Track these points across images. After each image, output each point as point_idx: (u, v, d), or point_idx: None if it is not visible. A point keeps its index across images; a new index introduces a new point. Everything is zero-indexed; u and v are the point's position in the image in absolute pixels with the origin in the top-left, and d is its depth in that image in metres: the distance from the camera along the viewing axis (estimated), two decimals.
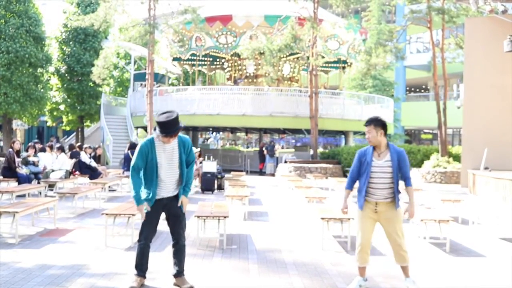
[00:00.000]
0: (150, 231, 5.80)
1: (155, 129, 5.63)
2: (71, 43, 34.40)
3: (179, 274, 5.85)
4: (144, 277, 5.84)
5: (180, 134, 5.83)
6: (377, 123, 5.80)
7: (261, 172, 28.26)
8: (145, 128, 29.53)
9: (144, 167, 5.69)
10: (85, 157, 17.48)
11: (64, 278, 6.10)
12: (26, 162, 15.35)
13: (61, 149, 17.10)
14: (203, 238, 8.47)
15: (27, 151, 16.18)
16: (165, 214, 5.88)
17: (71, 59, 34.04)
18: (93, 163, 17.71)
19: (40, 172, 15.57)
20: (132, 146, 17.75)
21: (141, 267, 5.79)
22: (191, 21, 26.01)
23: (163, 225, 6.10)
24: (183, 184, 5.80)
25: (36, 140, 17.47)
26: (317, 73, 27.21)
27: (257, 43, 26.82)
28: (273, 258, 7.49)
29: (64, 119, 36.91)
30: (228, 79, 34.00)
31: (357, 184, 5.99)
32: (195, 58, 32.00)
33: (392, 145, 5.87)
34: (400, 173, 5.82)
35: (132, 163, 5.70)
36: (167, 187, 5.74)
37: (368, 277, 6.40)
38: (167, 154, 5.71)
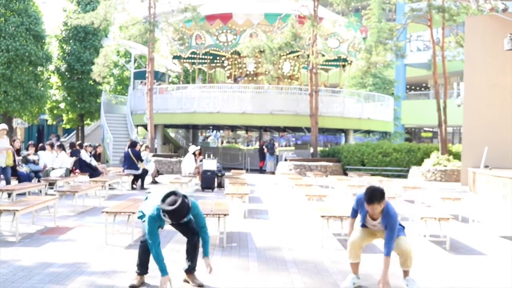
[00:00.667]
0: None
1: (131, 145, 5.51)
2: (71, 41, 34.41)
3: (190, 270, 5.87)
4: (144, 275, 5.84)
5: None
6: (380, 199, 5.50)
7: (261, 170, 28.27)
8: (145, 127, 29.54)
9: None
10: (85, 156, 17.47)
11: (64, 276, 6.11)
12: (26, 161, 15.35)
13: (62, 147, 17.11)
14: None
15: (27, 149, 16.18)
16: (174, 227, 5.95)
17: (71, 57, 34.05)
18: (94, 162, 17.71)
19: (41, 170, 15.57)
20: (133, 145, 17.74)
21: (142, 265, 5.78)
22: (191, 19, 26.04)
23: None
24: (203, 248, 5.77)
25: (31, 142, 17.47)
26: (317, 71, 27.20)
27: (257, 41, 26.83)
28: (273, 256, 7.49)
29: (64, 117, 36.93)
30: (228, 77, 34.02)
31: None
32: (195, 56, 32.00)
33: (385, 209, 5.60)
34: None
35: (149, 238, 5.42)
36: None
37: (366, 275, 6.41)
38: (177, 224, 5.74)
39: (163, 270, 5.43)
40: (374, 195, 5.48)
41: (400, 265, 5.94)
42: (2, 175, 13.50)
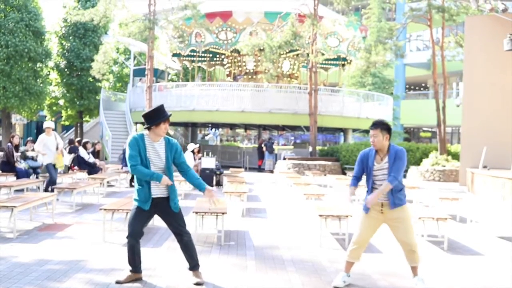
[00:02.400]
0: (137, 229, 5.67)
1: (136, 130, 5.59)
2: (70, 38, 34.39)
3: (192, 268, 5.86)
4: (138, 272, 5.80)
5: (169, 137, 5.79)
6: (384, 127, 5.68)
7: (260, 169, 28.27)
8: (144, 124, 29.52)
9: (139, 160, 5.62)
10: (83, 153, 17.46)
11: (62, 273, 6.10)
12: (25, 157, 15.33)
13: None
14: (201, 234, 8.47)
15: (26, 145, 16.16)
16: (159, 215, 5.83)
17: (70, 54, 34.03)
18: (92, 159, 17.69)
19: (39, 166, 15.54)
20: None
21: (133, 263, 5.75)
22: (191, 17, 26.02)
23: (161, 221, 6.07)
24: (196, 184, 5.76)
25: (30, 138, 17.45)
26: (317, 70, 27.21)
27: (257, 40, 26.81)
28: (271, 255, 7.49)
29: (63, 114, 36.91)
30: (227, 75, 34.00)
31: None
32: (194, 54, 31.99)
33: (393, 146, 5.74)
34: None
35: (130, 159, 5.56)
36: (157, 185, 5.65)
37: (364, 275, 6.41)
38: (156, 152, 5.66)
39: (158, 176, 5.54)
40: (380, 121, 5.77)
41: (406, 261, 5.90)
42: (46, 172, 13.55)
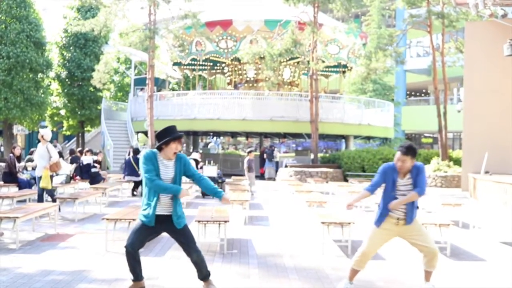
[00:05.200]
0: (137, 241, 5.63)
1: (134, 152, 5.57)
2: (71, 48, 34.44)
3: (203, 279, 5.85)
4: (139, 280, 5.73)
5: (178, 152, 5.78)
6: (414, 154, 5.66)
7: (262, 177, 28.25)
8: (145, 133, 29.55)
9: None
10: (87, 159, 17.48)
11: (65, 283, 6.10)
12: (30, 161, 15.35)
13: (59, 154, 17.10)
14: (203, 242, 8.46)
15: (31, 154, 16.13)
16: (167, 233, 5.79)
17: (71, 64, 34.07)
18: (94, 169, 17.70)
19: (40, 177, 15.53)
20: (135, 152, 17.76)
21: (134, 270, 5.68)
22: (191, 26, 26.07)
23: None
24: (212, 192, 5.83)
25: (33, 149, 17.44)
26: (317, 77, 27.23)
27: (258, 48, 26.88)
28: (273, 263, 7.49)
29: (65, 124, 36.93)
30: (228, 84, 34.05)
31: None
32: (195, 62, 32.05)
33: (414, 164, 5.77)
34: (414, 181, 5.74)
35: (147, 172, 5.50)
36: (164, 203, 5.63)
37: (368, 282, 6.40)
38: (167, 170, 5.64)
39: (176, 190, 5.55)
40: (412, 147, 5.67)
41: (424, 266, 5.87)
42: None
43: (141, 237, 5.66)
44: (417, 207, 5.85)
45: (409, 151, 5.64)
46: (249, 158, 18.12)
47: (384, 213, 5.78)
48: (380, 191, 5.96)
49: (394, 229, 5.80)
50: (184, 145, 40.32)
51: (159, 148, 5.63)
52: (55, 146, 19.64)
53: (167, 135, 5.59)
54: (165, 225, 5.68)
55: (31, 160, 15.43)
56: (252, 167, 18.08)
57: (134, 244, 5.62)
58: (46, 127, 38.21)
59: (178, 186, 5.60)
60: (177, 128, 5.76)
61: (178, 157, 5.71)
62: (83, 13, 33.99)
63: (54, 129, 40.97)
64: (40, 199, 11.81)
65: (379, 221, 5.80)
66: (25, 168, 15.31)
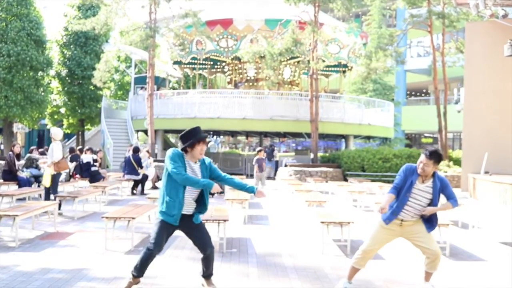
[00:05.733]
0: (163, 241, 5.60)
1: (134, 151, 5.50)
2: (71, 46, 34.44)
3: (207, 276, 5.84)
4: (138, 277, 5.72)
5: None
6: (438, 159, 5.65)
7: None
8: (145, 132, 29.55)
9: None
10: (87, 158, 17.48)
11: (64, 281, 6.10)
12: (31, 162, 15.33)
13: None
14: None
15: (30, 153, 16.13)
16: (182, 230, 5.75)
17: (71, 62, 34.08)
18: (94, 168, 17.70)
19: (41, 175, 15.54)
20: (135, 150, 17.75)
21: (143, 270, 5.66)
22: (192, 25, 26.09)
23: None
24: (244, 188, 5.73)
25: (33, 147, 17.43)
26: (318, 77, 27.22)
27: (258, 47, 26.87)
28: (273, 262, 7.49)
29: (65, 122, 36.94)
30: (228, 83, 34.05)
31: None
32: (195, 61, 32.04)
33: (436, 172, 5.78)
34: (444, 195, 5.84)
35: (175, 168, 5.43)
36: (187, 204, 5.61)
37: (367, 281, 6.40)
38: (194, 172, 5.59)
39: (208, 183, 5.46)
40: (437, 152, 5.67)
41: (425, 267, 5.87)
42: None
43: (165, 237, 5.63)
44: (435, 214, 5.87)
45: (433, 155, 5.63)
46: (258, 157, 17.93)
47: (396, 212, 5.75)
48: (384, 190, 5.96)
49: (397, 230, 5.81)
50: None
51: (184, 150, 5.58)
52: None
53: (191, 137, 5.53)
54: (183, 223, 5.65)
55: (30, 159, 15.43)
56: (262, 166, 17.82)
57: (160, 246, 5.58)
58: (46, 125, 38.27)
59: (210, 181, 5.51)
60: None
61: (202, 161, 5.67)
62: (84, 11, 34.00)
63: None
64: (46, 197, 11.90)
65: (389, 219, 5.77)
66: (31, 162, 15.24)
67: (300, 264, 7.37)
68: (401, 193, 5.73)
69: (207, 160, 5.74)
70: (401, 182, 5.78)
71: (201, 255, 5.75)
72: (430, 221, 5.80)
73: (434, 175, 5.75)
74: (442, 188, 5.77)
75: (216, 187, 5.52)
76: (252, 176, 28.38)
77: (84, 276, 6.39)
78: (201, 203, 5.67)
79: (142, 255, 5.60)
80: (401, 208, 5.73)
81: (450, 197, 5.81)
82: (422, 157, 5.65)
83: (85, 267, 6.81)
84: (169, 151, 5.61)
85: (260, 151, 18.67)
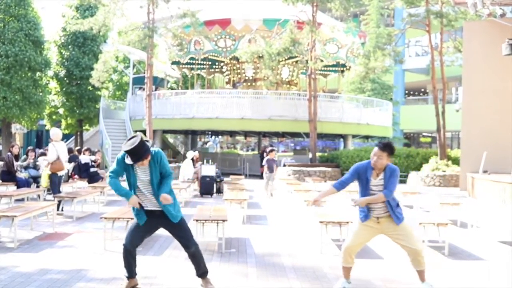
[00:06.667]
0: (135, 238, 5.71)
1: (124, 154, 5.56)
2: (70, 47, 34.38)
3: (200, 276, 5.87)
4: (133, 277, 5.76)
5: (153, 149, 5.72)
6: (391, 151, 5.72)
7: (262, 176, 28.20)
8: (144, 132, 29.52)
9: (122, 175, 5.70)
10: (85, 159, 17.47)
11: (63, 282, 6.10)
12: (26, 167, 15.36)
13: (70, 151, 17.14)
14: (201, 242, 8.43)
15: (26, 155, 16.12)
16: (164, 228, 5.85)
17: (70, 63, 34.02)
18: (93, 169, 17.69)
19: (39, 176, 15.53)
20: None
21: (130, 268, 5.72)
22: (190, 25, 26.08)
23: (161, 229, 6.06)
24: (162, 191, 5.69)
25: (30, 147, 17.40)
26: (316, 76, 27.22)
27: (256, 47, 26.87)
28: (271, 262, 7.49)
29: (63, 122, 36.87)
30: (227, 83, 34.04)
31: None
32: (194, 61, 32.03)
33: (389, 164, 5.78)
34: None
35: (110, 169, 5.70)
36: (150, 200, 5.68)
37: (364, 281, 6.40)
38: (142, 170, 5.66)
39: (126, 194, 5.60)
40: (390, 145, 5.74)
41: (412, 265, 5.87)
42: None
43: (138, 234, 5.75)
44: (397, 205, 5.83)
45: (387, 148, 5.70)
46: (269, 158, 17.24)
47: (363, 211, 5.84)
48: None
49: (376, 227, 5.84)
50: (183, 145, 40.32)
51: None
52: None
53: (131, 157, 5.52)
54: (160, 220, 5.73)
55: (27, 165, 15.46)
56: (273, 168, 17.09)
57: (132, 243, 5.69)
58: (45, 125, 38.24)
59: (129, 193, 5.64)
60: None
61: (152, 156, 5.64)
62: (82, 11, 33.93)
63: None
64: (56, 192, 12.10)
65: (362, 217, 5.85)
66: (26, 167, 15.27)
67: (299, 264, 7.37)
68: (361, 192, 5.83)
69: (158, 154, 5.69)
70: (348, 179, 5.89)
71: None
72: (394, 214, 5.76)
73: (386, 167, 5.76)
74: (389, 178, 5.71)
75: (132, 201, 5.61)
76: (251, 176, 28.45)
77: (83, 276, 6.38)
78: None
79: (122, 253, 5.73)
80: (368, 207, 5.80)
81: (385, 187, 5.69)
82: (376, 150, 5.72)
83: (84, 268, 6.81)
84: (119, 154, 5.68)
85: (271, 151, 17.82)
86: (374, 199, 5.72)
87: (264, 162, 17.44)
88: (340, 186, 5.94)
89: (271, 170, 17.08)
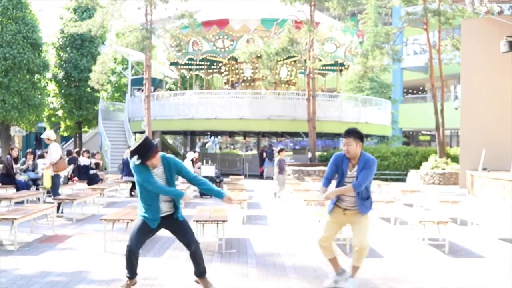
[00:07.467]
0: (141, 239, 5.74)
1: (135, 140, 5.58)
2: (68, 49, 34.40)
3: (199, 275, 5.89)
4: (133, 278, 5.78)
5: (166, 154, 5.79)
6: (357, 135, 5.73)
7: (261, 176, 28.20)
8: (143, 133, 29.50)
9: (149, 177, 5.64)
10: (85, 161, 17.47)
11: (64, 284, 6.10)
12: (26, 170, 15.38)
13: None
14: (202, 242, 8.41)
15: (25, 157, 16.13)
16: (166, 228, 5.87)
17: (68, 65, 34.03)
18: (92, 171, 17.69)
19: (39, 178, 15.52)
20: None
21: (132, 268, 5.75)
22: (188, 26, 26.07)
23: (162, 231, 6.06)
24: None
25: (29, 150, 17.39)
26: (314, 76, 27.22)
27: (254, 47, 26.85)
28: (272, 262, 7.49)
29: (62, 125, 36.89)
30: (225, 83, 34.03)
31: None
32: (192, 62, 32.02)
33: (364, 154, 5.78)
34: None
35: (146, 182, 5.58)
36: (163, 206, 5.72)
37: (365, 280, 6.39)
38: (156, 175, 5.68)
39: (178, 193, 5.64)
40: (354, 130, 5.79)
41: (352, 261, 5.88)
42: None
43: (144, 236, 5.77)
44: (368, 198, 5.86)
45: (351, 133, 5.74)
46: (280, 158, 16.41)
47: (333, 202, 5.94)
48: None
49: (342, 218, 5.94)
50: (182, 146, 40.30)
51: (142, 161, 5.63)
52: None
53: (146, 151, 5.55)
54: (165, 222, 5.77)
55: (24, 163, 15.48)
56: (283, 168, 16.20)
57: (137, 245, 5.70)
58: (44, 128, 38.21)
59: (181, 191, 5.71)
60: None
61: (166, 162, 5.71)
62: (80, 13, 33.94)
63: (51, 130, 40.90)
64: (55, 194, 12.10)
65: (329, 209, 5.98)
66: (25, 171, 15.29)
67: (299, 264, 7.38)
68: (338, 184, 5.87)
69: (172, 160, 5.77)
70: (331, 172, 5.95)
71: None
72: (362, 205, 5.80)
73: (360, 157, 5.76)
74: (362, 169, 5.71)
75: (186, 197, 5.61)
76: (250, 176, 28.44)
77: (83, 278, 6.38)
78: (174, 203, 5.79)
79: (125, 253, 5.73)
80: (338, 197, 5.87)
81: (358, 178, 5.68)
82: (343, 139, 5.78)
83: (84, 270, 6.81)
84: (131, 163, 5.70)
85: (281, 150, 16.81)
86: (342, 190, 5.77)
87: (276, 163, 16.59)
88: (327, 182, 5.97)
89: (281, 171, 16.20)
